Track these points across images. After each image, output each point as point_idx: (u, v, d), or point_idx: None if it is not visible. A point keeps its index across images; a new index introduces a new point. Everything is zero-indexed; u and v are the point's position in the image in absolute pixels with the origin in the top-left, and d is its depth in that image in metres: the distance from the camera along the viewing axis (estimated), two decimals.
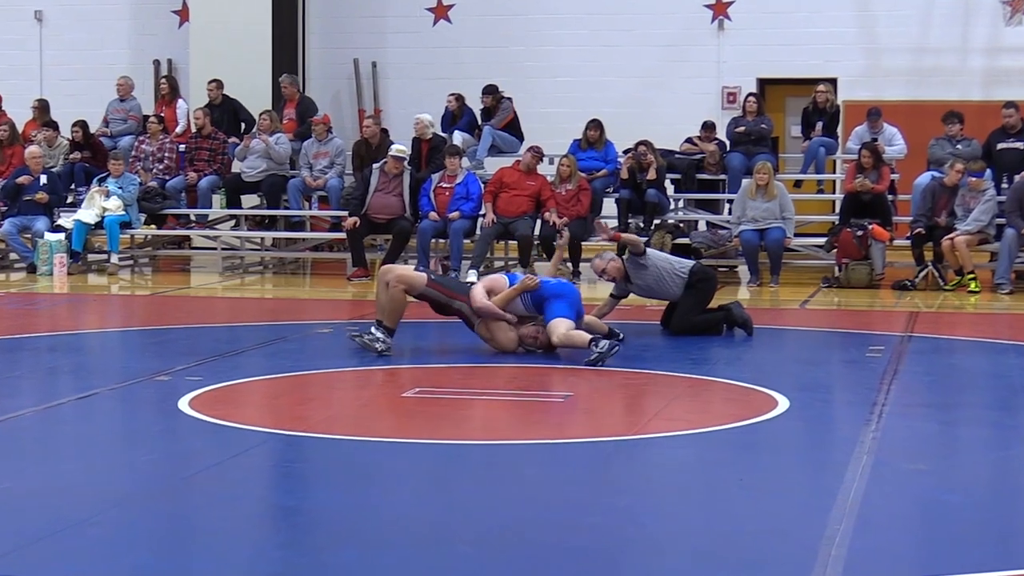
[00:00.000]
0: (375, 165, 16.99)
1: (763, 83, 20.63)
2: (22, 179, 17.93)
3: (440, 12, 21.49)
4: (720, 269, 17.42)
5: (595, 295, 13.10)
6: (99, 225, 17.72)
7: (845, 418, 8.81)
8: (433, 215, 16.70)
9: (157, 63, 22.15)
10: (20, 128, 19.37)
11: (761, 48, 20.58)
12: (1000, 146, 16.88)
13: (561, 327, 10.55)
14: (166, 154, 18.69)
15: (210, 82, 19.18)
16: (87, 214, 17.66)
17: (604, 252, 12.21)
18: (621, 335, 11.02)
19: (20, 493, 6.52)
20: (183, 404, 8.61)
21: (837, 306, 14.85)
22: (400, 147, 17.04)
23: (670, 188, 17.76)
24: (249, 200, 18.76)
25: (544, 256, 16.84)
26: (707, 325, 11.88)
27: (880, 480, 6.81)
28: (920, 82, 20.24)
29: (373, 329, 10.62)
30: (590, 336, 10.39)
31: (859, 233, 15.90)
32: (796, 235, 16.55)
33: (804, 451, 7.88)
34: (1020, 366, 10.80)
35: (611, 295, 12.11)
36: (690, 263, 12.11)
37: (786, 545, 5.80)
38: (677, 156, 17.89)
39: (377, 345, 10.54)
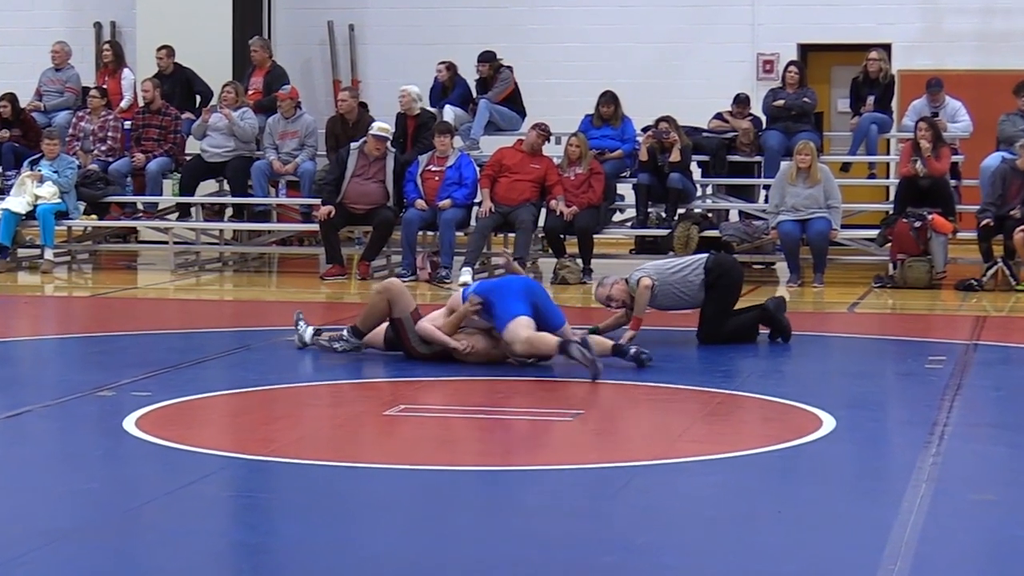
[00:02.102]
0: (353, 146, 16.98)
1: (805, 49, 20.64)
2: None
3: None
4: (755, 267, 17.45)
5: None
6: (31, 215, 17.71)
7: (900, 440, 8.83)
8: (420, 203, 16.70)
9: (99, 26, 22.16)
10: None
11: (803, 8, 20.60)
12: None
13: (520, 331, 10.36)
14: (109, 132, 18.68)
15: (159, 48, 19.16)
16: (17, 202, 17.66)
17: (604, 278, 11.84)
18: (632, 350, 10.71)
19: None
20: (129, 423, 8.61)
21: (891, 309, 14.86)
22: (382, 125, 17.03)
23: (696, 172, 17.77)
24: (206, 186, 18.74)
25: (548, 251, 16.83)
26: (740, 330, 11.86)
27: (941, 512, 6.82)
28: (988, 48, 20.26)
29: (345, 333, 11.04)
30: (559, 339, 10.27)
31: (917, 224, 15.91)
32: (843, 227, 16.56)
33: (853, 479, 7.89)
34: None
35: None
36: (703, 259, 11.90)
37: None
38: (705, 135, 17.89)
39: (336, 345, 10.98)
